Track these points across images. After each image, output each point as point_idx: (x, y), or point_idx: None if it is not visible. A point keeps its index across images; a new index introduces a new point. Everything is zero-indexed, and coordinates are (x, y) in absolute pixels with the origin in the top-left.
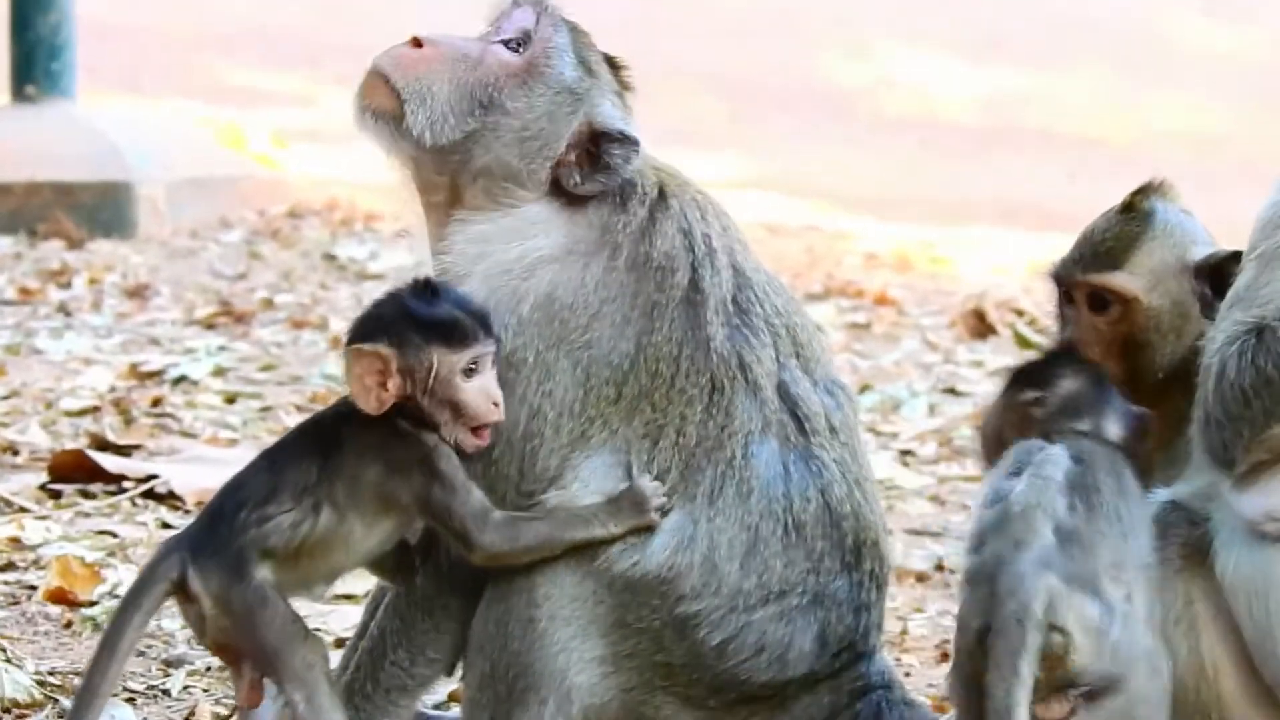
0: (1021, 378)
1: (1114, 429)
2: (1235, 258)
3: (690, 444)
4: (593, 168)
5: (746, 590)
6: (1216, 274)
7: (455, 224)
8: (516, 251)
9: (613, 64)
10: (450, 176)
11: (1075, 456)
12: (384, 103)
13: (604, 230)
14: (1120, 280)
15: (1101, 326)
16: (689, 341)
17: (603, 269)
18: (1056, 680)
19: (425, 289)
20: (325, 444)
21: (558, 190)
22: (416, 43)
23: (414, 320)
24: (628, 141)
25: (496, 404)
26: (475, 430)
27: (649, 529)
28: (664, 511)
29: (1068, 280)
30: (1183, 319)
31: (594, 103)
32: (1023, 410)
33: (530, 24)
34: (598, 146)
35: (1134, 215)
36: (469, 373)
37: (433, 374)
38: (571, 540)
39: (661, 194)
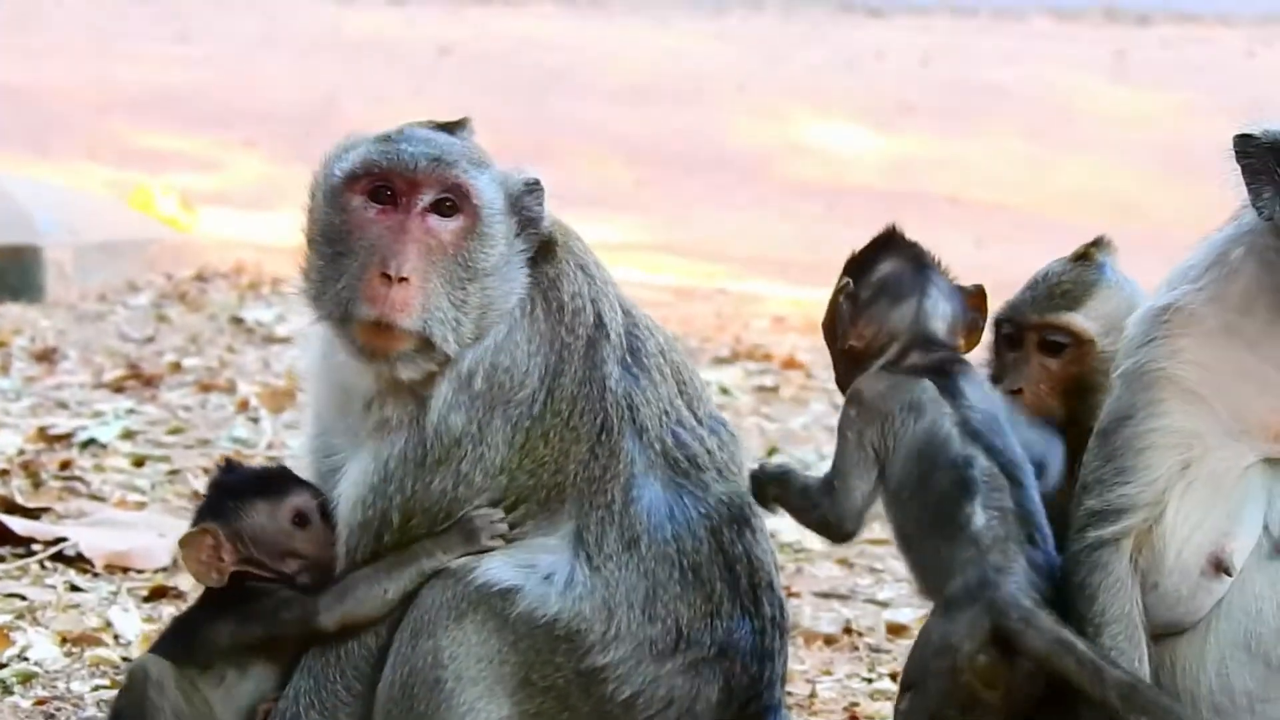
0: (848, 265)
1: (943, 307)
2: None
3: (570, 483)
4: (523, 229)
5: (653, 637)
6: None
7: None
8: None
9: (463, 124)
10: (465, 346)
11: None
12: (407, 344)
13: (530, 286)
14: (1078, 321)
15: (1052, 368)
16: (588, 380)
17: (529, 323)
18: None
19: (229, 465)
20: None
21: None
22: (402, 280)
23: (231, 487)
24: (533, 187)
25: (332, 544)
26: (325, 573)
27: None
28: (504, 538)
29: (1020, 321)
30: None
31: (501, 176)
32: (849, 294)
33: (454, 181)
34: (520, 207)
35: (1088, 263)
36: (299, 522)
37: (258, 531)
38: (403, 580)
39: (550, 239)
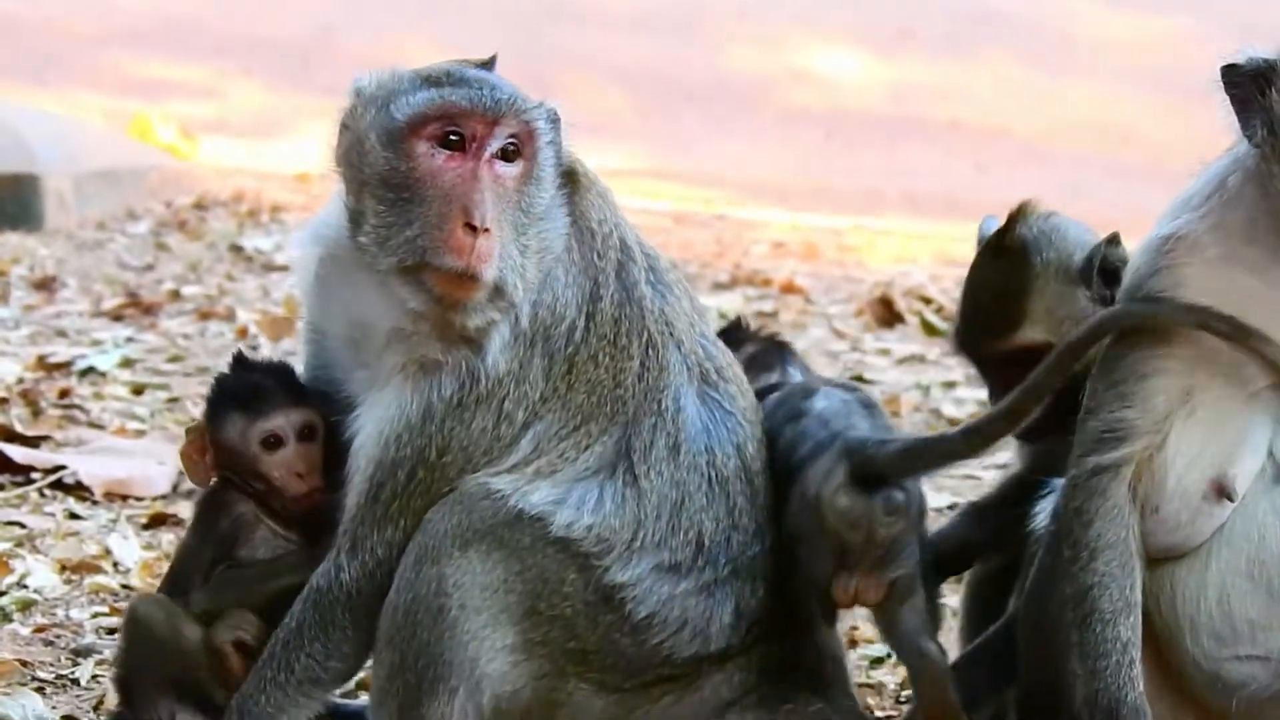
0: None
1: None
2: (1109, 241)
3: (627, 397)
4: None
5: (674, 548)
6: (1102, 268)
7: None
8: (543, 269)
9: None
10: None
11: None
12: (484, 293)
13: (569, 218)
14: (1027, 337)
15: (1023, 377)
16: (626, 301)
17: (566, 256)
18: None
19: (238, 362)
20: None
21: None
22: (472, 228)
23: (219, 391)
24: (554, 117)
25: (301, 476)
26: (293, 499)
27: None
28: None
29: (973, 355)
30: None
31: (543, 105)
32: None
33: (523, 126)
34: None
35: (1009, 258)
36: (270, 444)
37: (231, 444)
38: (270, 590)
39: (571, 169)
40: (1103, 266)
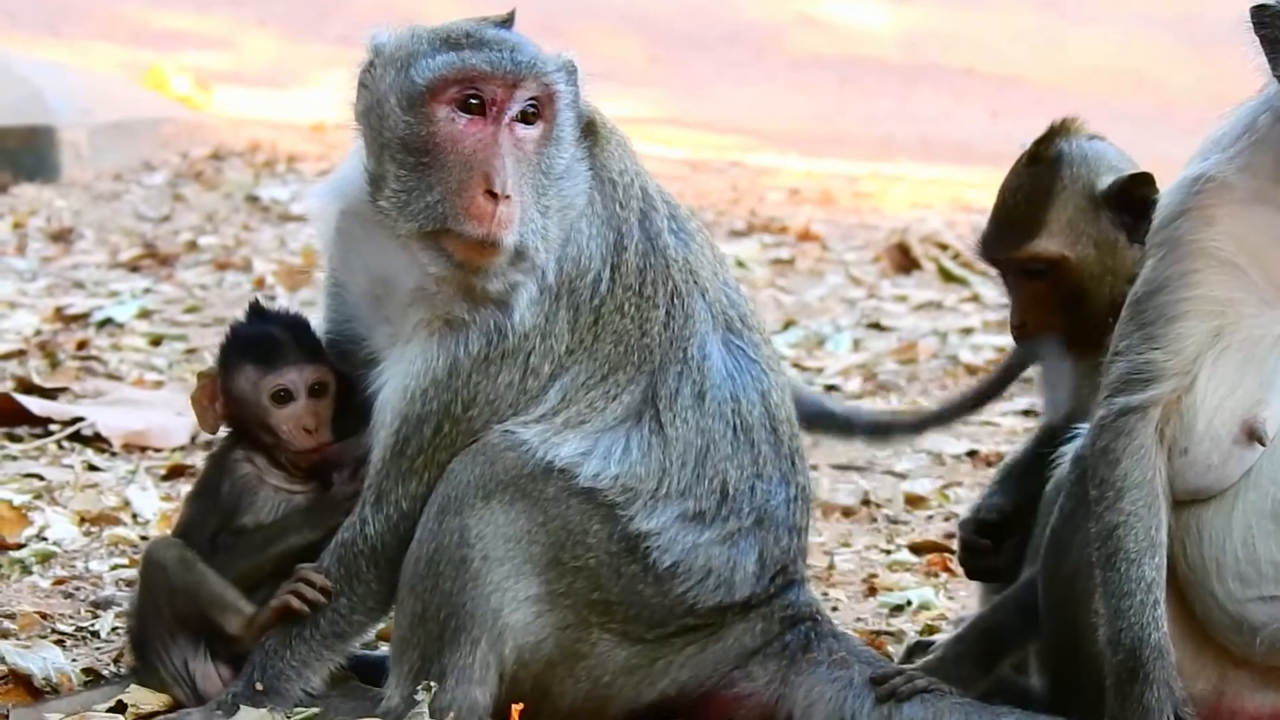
0: None
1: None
2: (1140, 179)
3: (653, 345)
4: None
5: (699, 496)
6: (1128, 197)
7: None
8: (567, 224)
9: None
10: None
11: None
12: (506, 257)
13: (591, 170)
14: (1041, 246)
15: (1040, 292)
16: (650, 250)
17: (589, 209)
18: None
19: (254, 311)
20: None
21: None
22: (492, 195)
23: (234, 340)
24: (572, 69)
25: (309, 431)
26: (300, 454)
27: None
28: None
29: (992, 259)
30: (1114, 254)
31: (560, 59)
32: None
33: (543, 88)
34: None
35: (1040, 166)
36: (280, 398)
37: (241, 394)
38: (277, 553)
39: (590, 121)
40: (1129, 195)
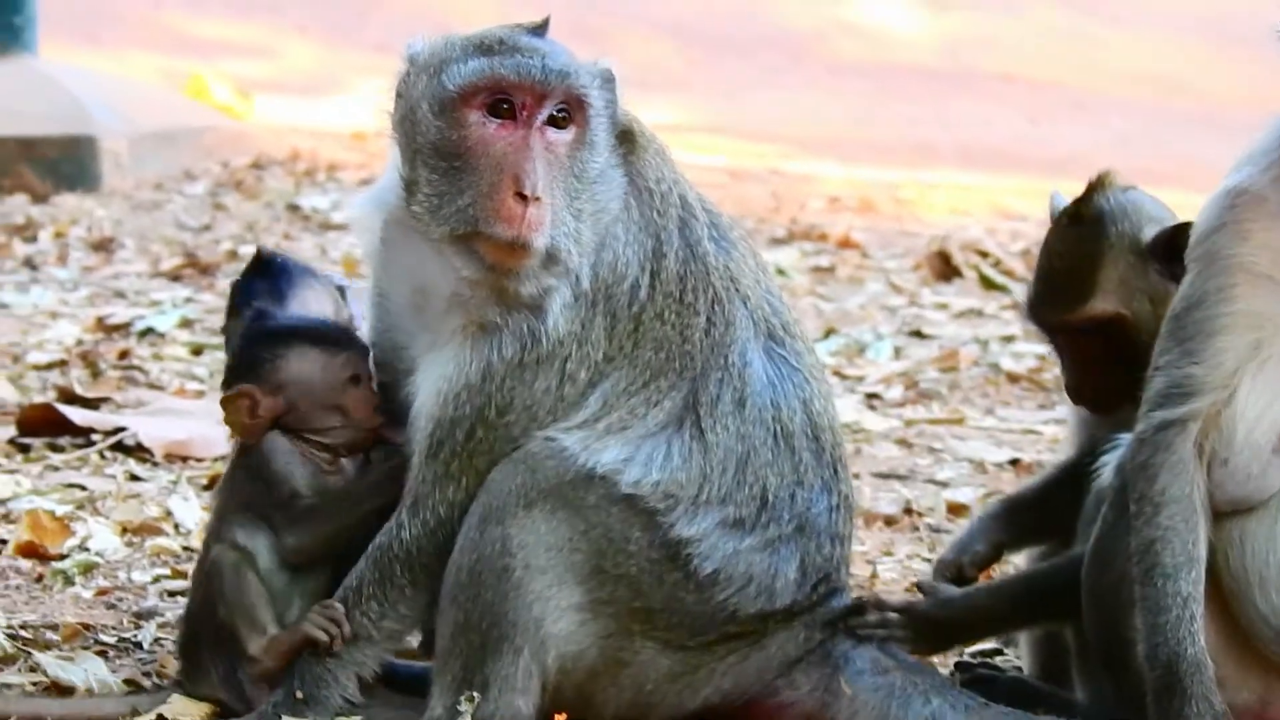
0: None
1: None
2: (1183, 229)
3: (694, 352)
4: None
5: (739, 502)
6: (1172, 247)
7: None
8: (601, 229)
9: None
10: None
11: None
12: (537, 260)
13: (627, 178)
14: (1098, 307)
15: (1096, 349)
16: (691, 258)
17: (626, 215)
18: None
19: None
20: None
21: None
22: (522, 197)
23: (295, 332)
24: (609, 77)
25: (375, 410)
26: (368, 432)
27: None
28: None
29: (1047, 322)
30: (1165, 304)
31: (595, 67)
32: None
33: (573, 93)
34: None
35: (1084, 226)
36: (354, 380)
37: (309, 381)
38: (359, 514)
39: (628, 129)
40: (1173, 245)
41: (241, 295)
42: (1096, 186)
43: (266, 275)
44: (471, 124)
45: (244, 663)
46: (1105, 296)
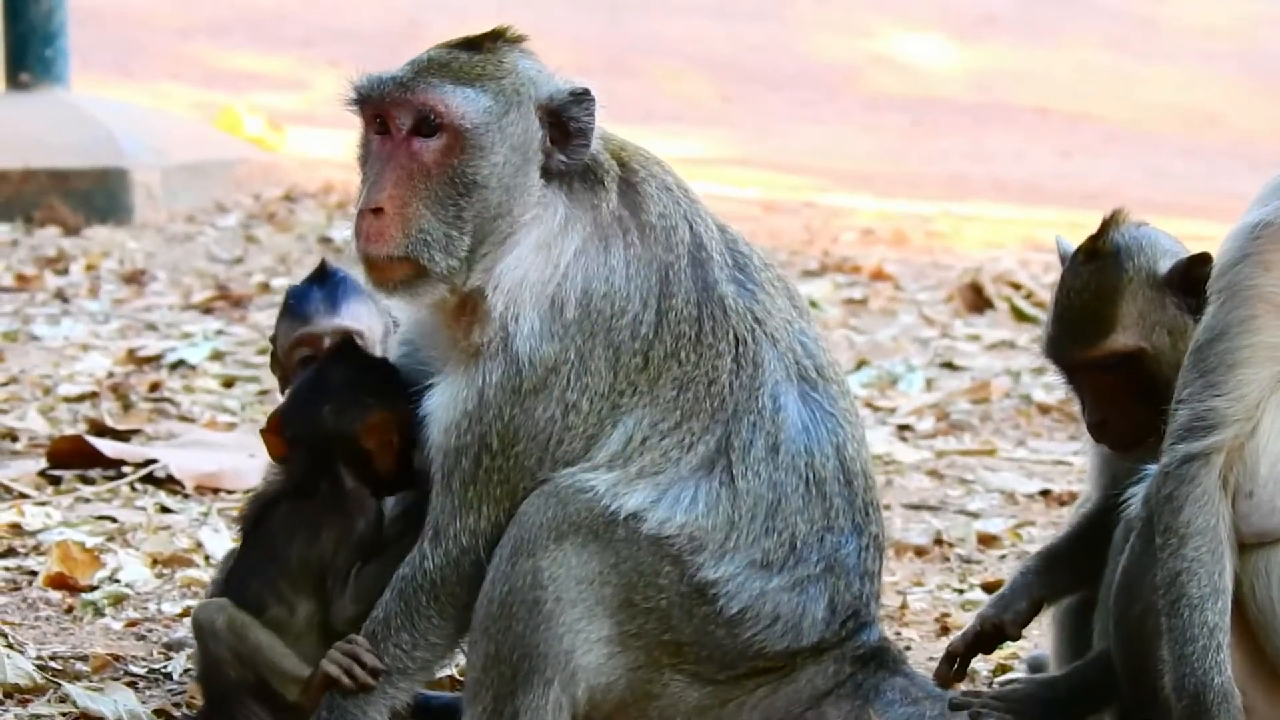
0: None
1: None
2: (1199, 259)
3: (725, 394)
4: (566, 140)
5: (766, 549)
6: (1189, 279)
7: (484, 279)
8: (548, 262)
9: (495, 36)
10: (473, 263)
11: None
12: (400, 272)
13: (600, 210)
14: (1119, 342)
15: (1118, 384)
16: (707, 301)
17: (623, 246)
18: None
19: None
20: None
21: (549, 186)
22: (376, 210)
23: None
24: (581, 97)
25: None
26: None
27: None
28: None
29: (1063, 362)
30: (1184, 337)
31: (529, 87)
32: None
33: (421, 102)
34: (560, 119)
35: (1101, 261)
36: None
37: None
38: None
39: (622, 162)
40: (1190, 277)
41: (296, 299)
42: (1110, 223)
43: (324, 284)
44: (362, 142)
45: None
46: (1126, 331)
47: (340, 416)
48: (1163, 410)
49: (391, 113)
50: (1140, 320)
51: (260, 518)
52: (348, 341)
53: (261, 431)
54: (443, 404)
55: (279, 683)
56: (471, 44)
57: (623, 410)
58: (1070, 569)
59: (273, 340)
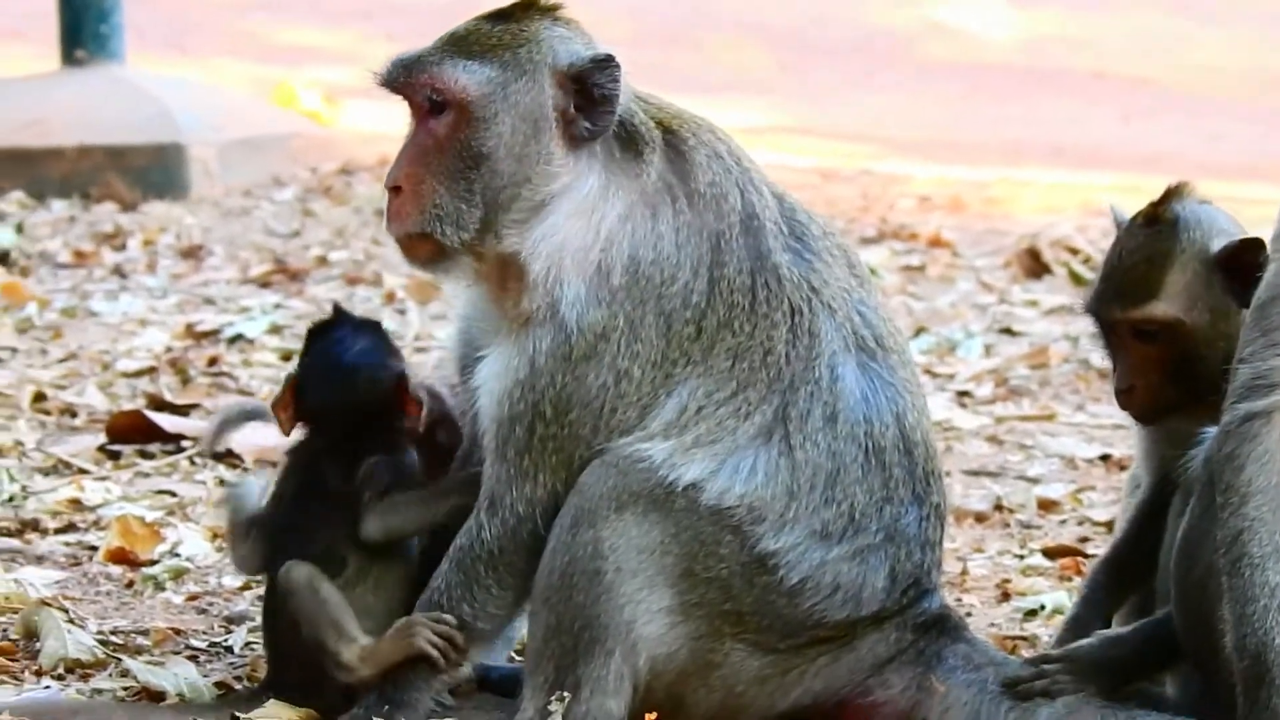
0: None
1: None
2: (1251, 244)
3: (781, 364)
4: (591, 107)
5: (826, 520)
6: (1238, 263)
7: (518, 246)
8: (588, 229)
9: (527, 6)
10: (494, 233)
11: None
12: (423, 249)
13: (645, 177)
14: (1159, 309)
15: (1152, 355)
16: (760, 270)
17: (672, 214)
18: None
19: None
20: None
21: (579, 153)
22: (395, 190)
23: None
24: (603, 63)
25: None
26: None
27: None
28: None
29: (1106, 319)
30: (1226, 320)
31: (546, 55)
32: None
33: (424, 81)
34: (583, 85)
35: (1158, 228)
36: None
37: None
38: (442, 510)
39: (668, 129)
40: (1239, 261)
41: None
42: (1174, 193)
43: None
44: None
45: (337, 671)
46: (1168, 300)
47: (373, 383)
48: (1190, 389)
49: (407, 95)
50: (1184, 293)
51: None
52: (337, 308)
53: (273, 407)
54: (495, 374)
55: (337, 641)
56: (501, 15)
57: (677, 380)
58: (1135, 569)
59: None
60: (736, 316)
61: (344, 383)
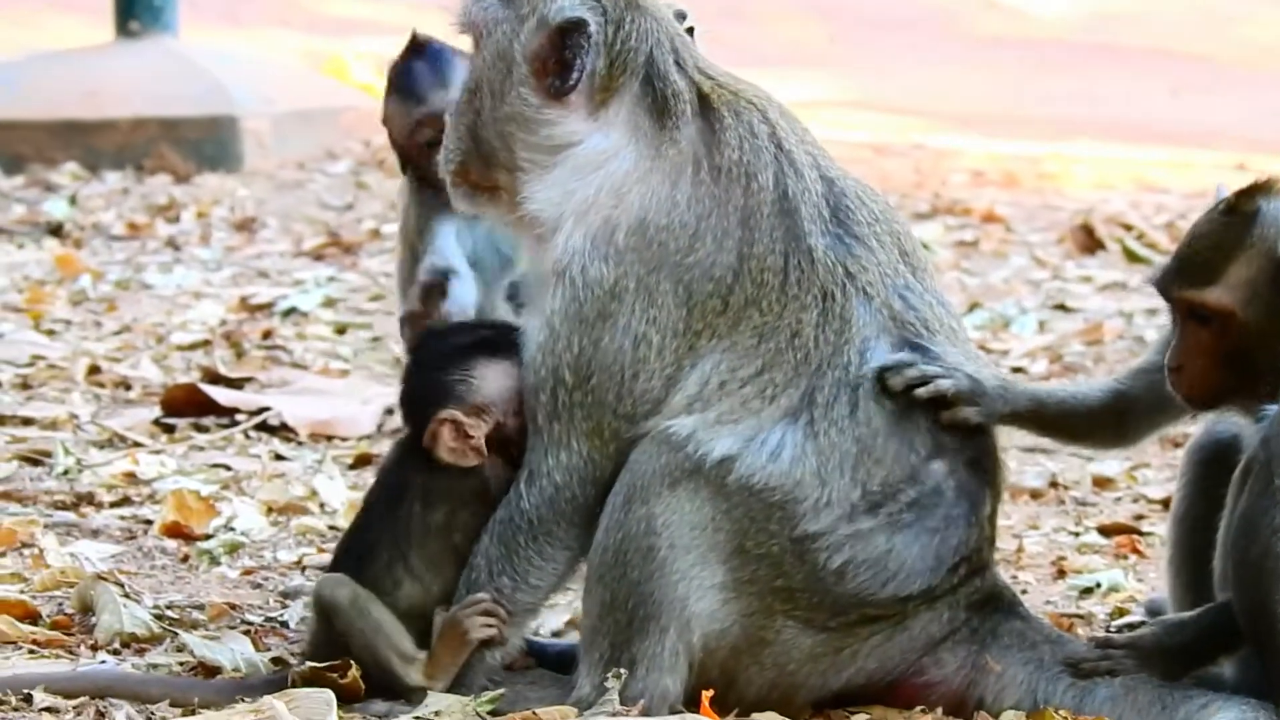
0: None
1: None
2: None
3: (810, 347)
4: (558, 67)
5: (864, 497)
6: None
7: (530, 202)
8: (596, 182)
9: None
10: (502, 168)
11: None
12: (458, 185)
13: (666, 144)
14: (1214, 295)
15: (1205, 339)
16: (794, 251)
17: (691, 184)
18: None
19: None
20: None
21: (589, 111)
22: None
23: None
24: (571, 26)
25: None
26: None
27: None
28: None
29: (1166, 294)
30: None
31: (545, 6)
32: None
33: (467, 26)
34: (559, 42)
35: (1235, 218)
36: None
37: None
38: None
39: (709, 105)
40: None
41: (402, 78)
42: (1262, 187)
43: (426, 57)
44: None
45: (408, 694)
46: (1226, 289)
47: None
48: (1241, 383)
49: (464, 38)
50: (1244, 286)
51: (390, 485)
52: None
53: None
54: (524, 342)
55: (402, 666)
56: None
57: (700, 353)
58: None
59: (386, 122)
60: (765, 295)
61: (448, 386)
